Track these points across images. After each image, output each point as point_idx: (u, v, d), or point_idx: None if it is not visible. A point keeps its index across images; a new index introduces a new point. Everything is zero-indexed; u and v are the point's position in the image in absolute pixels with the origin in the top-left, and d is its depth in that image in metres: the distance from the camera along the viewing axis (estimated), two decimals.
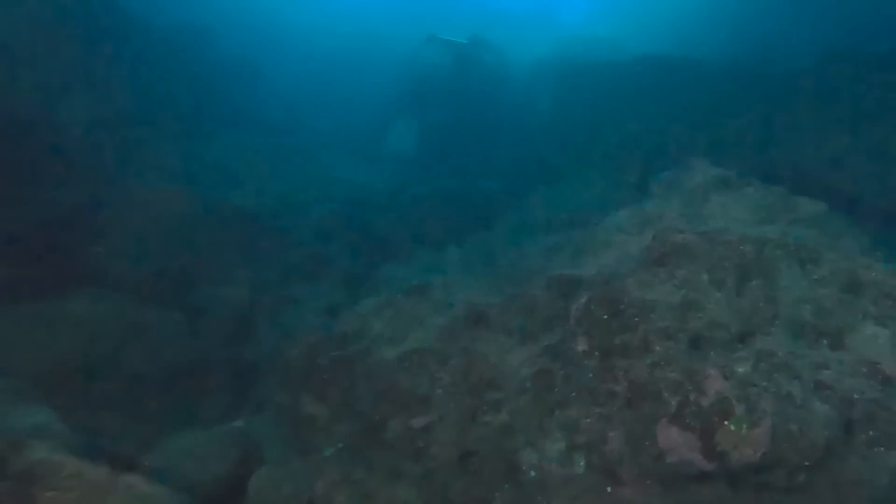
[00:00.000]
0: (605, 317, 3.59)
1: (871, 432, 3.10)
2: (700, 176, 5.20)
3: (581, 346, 3.67)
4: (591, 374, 3.55)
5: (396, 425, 4.02)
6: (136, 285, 6.18)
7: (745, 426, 2.94)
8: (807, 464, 2.97)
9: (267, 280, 7.02)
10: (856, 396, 3.16)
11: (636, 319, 3.48)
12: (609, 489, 3.26)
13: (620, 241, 5.17)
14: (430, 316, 4.84)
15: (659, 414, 3.13)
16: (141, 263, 6.38)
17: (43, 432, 3.49)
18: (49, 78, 8.09)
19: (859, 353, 3.42)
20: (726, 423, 2.96)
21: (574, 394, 3.57)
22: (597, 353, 3.57)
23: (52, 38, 8.23)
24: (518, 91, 13.88)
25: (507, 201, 9.51)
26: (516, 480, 3.52)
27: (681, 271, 3.71)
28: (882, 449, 3.07)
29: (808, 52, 9.66)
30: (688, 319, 3.44)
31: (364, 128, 14.12)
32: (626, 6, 24.28)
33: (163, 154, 8.70)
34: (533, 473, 3.47)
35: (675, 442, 3.08)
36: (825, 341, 3.53)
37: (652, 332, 3.40)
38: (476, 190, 10.13)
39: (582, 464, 3.38)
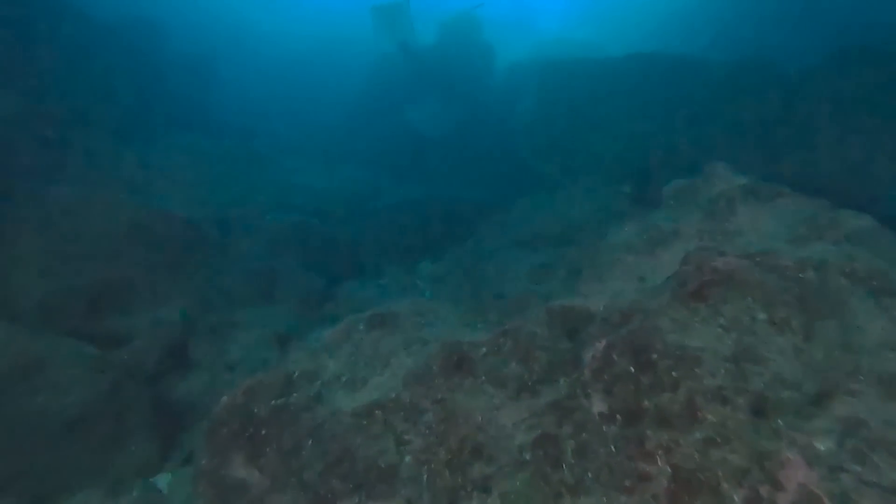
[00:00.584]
0: (632, 369, 2.67)
1: None
2: (722, 184, 4.34)
3: (598, 406, 2.75)
4: (613, 447, 2.63)
5: None
6: (41, 309, 5.10)
7: None
8: None
9: (208, 301, 5.98)
10: None
11: (675, 374, 2.57)
12: None
13: (629, 263, 4.28)
14: (399, 354, 3.88)
15: None
16: (49, 283, 5.29)
17: None
18: None
19: None
20: None
21: (590, 474, 2.64)
22: (620, 417, 2.65)
23: None
24: (497, 93, 13.01)
25: (487, 212, 8.63)
26: None
27: (728, 308, 2.81)
28: None
29: (807, 51, 8.96)
30: (747, 376, 2.53)
31: (330, 131, 13.12)
32: (605, 11, 23.77)
33: (95, 156, 7.61)
34: None
35: None
36: None
37: (699, 392, 2.49)
38: (452, 198, 9.20)
39: None
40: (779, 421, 2.45)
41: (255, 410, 3.76)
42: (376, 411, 3.33)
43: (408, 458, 3.07)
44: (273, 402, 3.71)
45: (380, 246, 8.37)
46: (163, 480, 4.81)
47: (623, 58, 8.00)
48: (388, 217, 8.71)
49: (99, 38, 10.02)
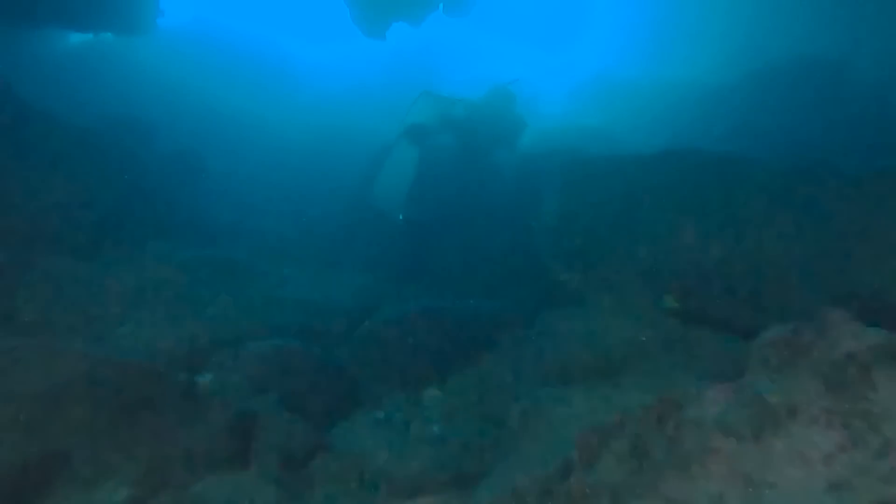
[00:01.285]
0: None
1: None
2: (848, 342, 3.20)
3: None
4: None
5: None
6: None
7: None
8: None
9: (164, 470, 4.74)
10: None
11: None
12: None
13: (727, 452, 3.09)
14: None
15: None
16: None
17: None
18: None
19: None
20: None
21: None
22: None
23: None
24: (508, 185, 12.12)
25: (505, 326, 7.50)
26: None
27: None
28: None
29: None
30: None
31: (327, 227, 12.15)
32: (610, 97, 23.46)
33: (51, 281, 6.55)
34: None
35: None
36: None
37: None
38: (464, 310, 8.07)
39: None
40: None
41: None
42: None
43: None
44: None
45: (379, 370, 7.19)
46: None
47: (657, 155, 7.03)
48: (388, 334, 7.56)
49: (75, 143, 9.21)
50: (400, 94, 24.64)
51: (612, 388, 5.04)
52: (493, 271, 9.40)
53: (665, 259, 6.53)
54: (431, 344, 7.47)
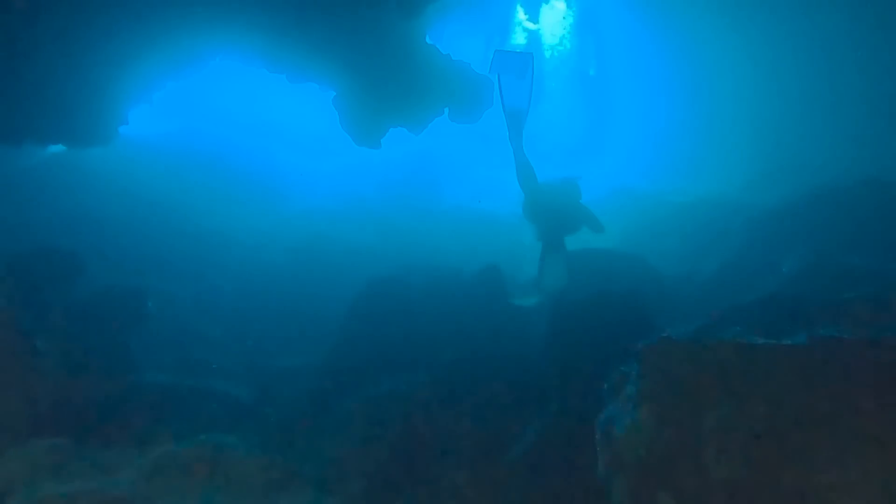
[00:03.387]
0: None
1: None
2: None
3: None
4: None
5: None
6: None
7: None
8: None
9: None
10: None
11: None
12: None
13: None
14: None
15: None
16: None
17: None
18: None
19: None
20: None
21: None
22: None
23: None
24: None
25: None
26: None
27: None
28: None
29: None
30: None
31: (292, 394, 9.14)
32: (635, 213, 21.11)
33: None
34: None
35: None
36: None
37: None
38: None
39: None
40: None
41: None
42: None
43: None
44: None
45: None
46: None
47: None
48: None
49: None
50: (401, 209, 22.59)
51: None
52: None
53: None
54: None
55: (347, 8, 12.00)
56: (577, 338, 7.70)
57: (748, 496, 4.05)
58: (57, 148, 14.16)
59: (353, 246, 15.77)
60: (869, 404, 4.07)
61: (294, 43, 12.08)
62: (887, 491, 3.80)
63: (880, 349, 4.29)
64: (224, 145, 20.19)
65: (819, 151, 21.59)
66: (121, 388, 8.25)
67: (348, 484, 6.58)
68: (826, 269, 10.99)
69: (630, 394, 4.96)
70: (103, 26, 11.35)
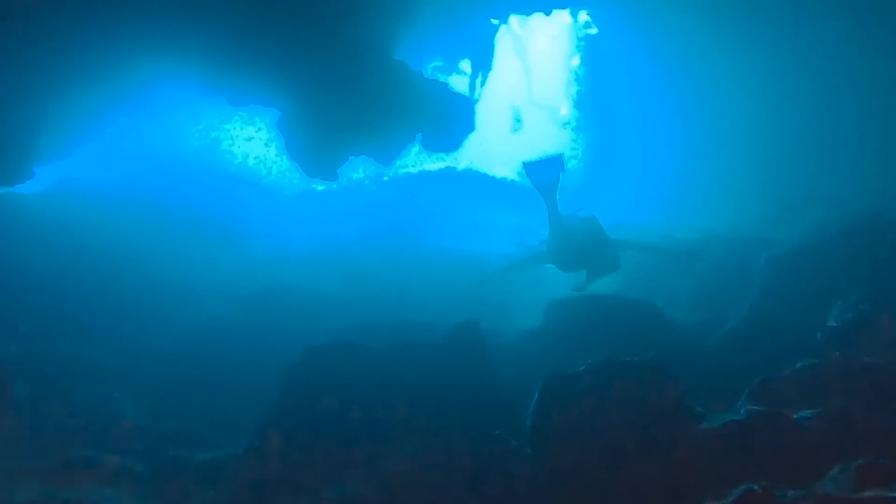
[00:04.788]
0: None
1: None
2: None
3: None
4: None
5: None
6: None
7: None
8: None
9: None
10: None
11: None
12: None
13: None
14: None
15: None
16: None
17: None
18: None
19: None
20: None
21: None
22: None
23: None
24: None
25: None
26: None
27: None
28: None
29: None
30: None
31: None
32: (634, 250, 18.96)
33: None
34: None
35: None
36: None
37: None
38: None
39: None
40: None
41: None
42: None
43: None
44: None
45: None
46: None
47: None
48: None
49: None
50: (376, 252, 20.41)
51: None
52: None
53: None
54: None
55: (295, 16, 10.07)
56: (579, 428, 5.45)
57: None
58: None
59: (314, 296, 13.52)
60: None
61: (231, 57, 10.07)
62: None
63: None
64: (179, 187, 18.04)
65: (833, 182, 19.83)
66: None
67: None
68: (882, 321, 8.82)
69: None
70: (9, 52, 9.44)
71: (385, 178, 25.22)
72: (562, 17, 25.59)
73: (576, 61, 26.78)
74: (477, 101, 13.17)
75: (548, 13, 17.24)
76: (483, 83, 25.94)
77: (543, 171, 11.83)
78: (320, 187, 20.52)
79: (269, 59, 9.96)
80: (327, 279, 15.66)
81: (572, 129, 29.58)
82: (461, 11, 14.74)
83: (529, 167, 11.87)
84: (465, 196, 24.73)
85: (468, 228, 23.06)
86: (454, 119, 12.46)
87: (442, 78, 12.88)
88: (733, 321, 11.00)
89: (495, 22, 19.15)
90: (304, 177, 12.78)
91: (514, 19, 23.09)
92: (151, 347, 12.20)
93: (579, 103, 28.26)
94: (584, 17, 24.95)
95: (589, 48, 26.24)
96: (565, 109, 28.73)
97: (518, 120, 30.94)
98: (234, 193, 20.05)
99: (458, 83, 19.33)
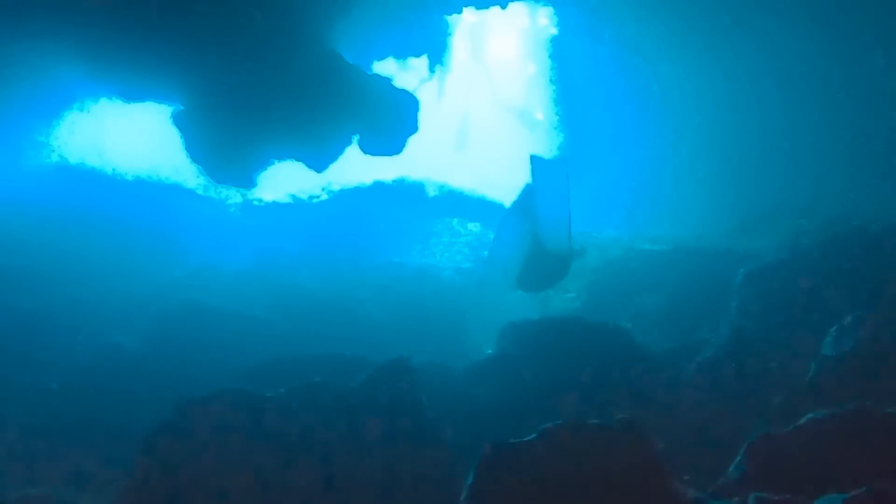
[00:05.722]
0: None
1: None
2: None
3: None
4: None
5: None
6: None
7: None
8: None
9: None
10: None
11: None
12: None
13: None
14: None
15: None
16: None
17: None
18: None
19: None
20: None
21: None
22: None
23: None
24: None
25: None
26: None
27: None
28: None
29: None
30: None
31: None
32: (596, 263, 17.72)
33: None
34: None
35: None
36: None
37: None
38: None
39: None
40: None
41: None
42: None
43: None
44: None
45: None
46: None
47: None
48: None
49: None
50: (322, 268, 18.66)
51: None
52: None
53: None
54: None
55: None
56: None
57: None
58: None
59: (234, 322, 11.75)
60: None
61: (116, 41, 8.30)
62: None
63: None
64: (88, 193, 15.97)
65: (802, 190, 18.91)
66: None
67: None
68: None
69: None
70: None
71: (336, 188, 23.52)
72: (520, 18, 24.42)
73: (532, 68, 25.57)
74: (418, 103, 11.59)
75: (504, 6, 15.79)
76: (441, 85, 24.44)
77: (550, 171, 11.70)
78: (256, 199, 18.74)
79: (164, 45, 8.22)
80: (259, 299, 13.89)
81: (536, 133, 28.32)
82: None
83: (536, 162, 11.80)
84: (420, 206, 23.15)
85: (422, 241, 21.52)
86: (395, 118, 10.89)
87: (391, 76, 11.27)
88: (711, 348, 9.63)
89: (450, 18, 17.77)
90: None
91: (471, 18, 21.79)
92: (36, 383, 10.32)
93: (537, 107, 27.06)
94: (543, 19, 23.77)
95: (549, 51, 25.09)
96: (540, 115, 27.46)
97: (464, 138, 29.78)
98: (161, 201, 17.97)
99: (410, 82, 17.87)
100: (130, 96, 9.10)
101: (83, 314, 12.03)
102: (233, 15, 8.75)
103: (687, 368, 9.31)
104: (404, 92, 10.94)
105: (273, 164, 9.89)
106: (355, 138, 10.80)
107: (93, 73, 8.61)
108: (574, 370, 8.83)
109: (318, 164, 10.68)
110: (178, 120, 9.14)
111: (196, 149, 9.14)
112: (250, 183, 9.64)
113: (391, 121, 10.81)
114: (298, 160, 10.44)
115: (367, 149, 10.97)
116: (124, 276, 13.93)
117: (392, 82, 11.17)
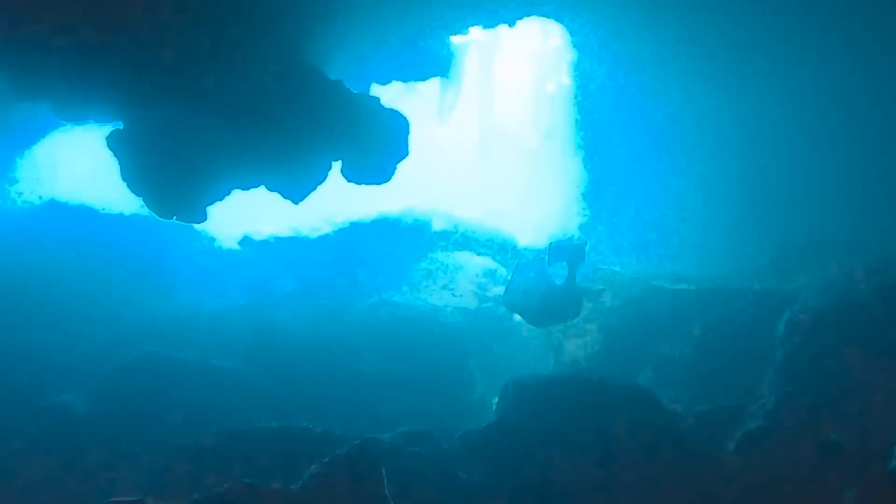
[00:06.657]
0: None
1: None
2: None
3: None
4: None
5: None
6: None
7: None
8: None
9: None
10: None
11: None
12: None
13: None
14: None
15: None
16: None
17: None
18: None
19: None
20: None
21: None
22: None
23: None
24: None
25: None
26: None
27: None
28: None
29: None
30: None
31: None
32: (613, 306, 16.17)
33: None
34: None
35: None
36: None
37: None
38: None
39: None
40: None
41: None
42: None
43: None
44: None
45: None
46: None
47: None
48: None
49: None
50: (311, 308, 17.16)
51: None
52: None
53: None
54: None
55: None
56: None
57: None
58: None
59: (198, 377, 10.26)
60: None
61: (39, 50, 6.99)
62: None
63: None
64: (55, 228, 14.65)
65: (837, 224, 17.32)
66: None
67: None
68: None
69: None
70: None
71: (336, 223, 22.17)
72: (533, 41, 23.40)
73: (551, 87, 24.34)
74: (408, 124, 10.16)
75: (512, 24, 14.50)
76: (450, 107, 23.06)
77: (567, 254, 12.37)
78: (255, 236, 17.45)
79: (98, 50, 6.89)
80: (234, 346, 12.42)
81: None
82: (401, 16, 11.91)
83: (555, 249, 12.48)
84: (421, 241, 21.69)
85: (425, 276, 20.04)
86: (383, 141, 9.50)
87: (377, 97, 9.94)
88: (756, 417, 7.95)
89: (457, 40, 16.57)
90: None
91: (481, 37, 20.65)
92: None
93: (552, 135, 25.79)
94: (554, 41, 22.63)
95: (568, 74, 23.99)
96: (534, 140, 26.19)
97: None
98: (137, 235, 16.60)
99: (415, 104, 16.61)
100: (68, 116, 7.78)
101: (37, 368, 10.62)
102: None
103: (725, 445, 7.63)
104: (393, 111, 9.57)
105: (231, 193, 8.50)
106: (338, 164, 9.43)
107: (20, 91, 7.30)
108: (586, 445, 7.23)
109: (295, 194, 9.29)
110: (111, 143, 7.77)
111: (131, 175, 7.75)
112: (200, 215, 8.24)
113: (378, 144, 9.42)
114: (272, 190, 9.07)
115: (350, 176, 9.57)
116: (90, 322, 12.55)
117: (380, 101, 9.81)
